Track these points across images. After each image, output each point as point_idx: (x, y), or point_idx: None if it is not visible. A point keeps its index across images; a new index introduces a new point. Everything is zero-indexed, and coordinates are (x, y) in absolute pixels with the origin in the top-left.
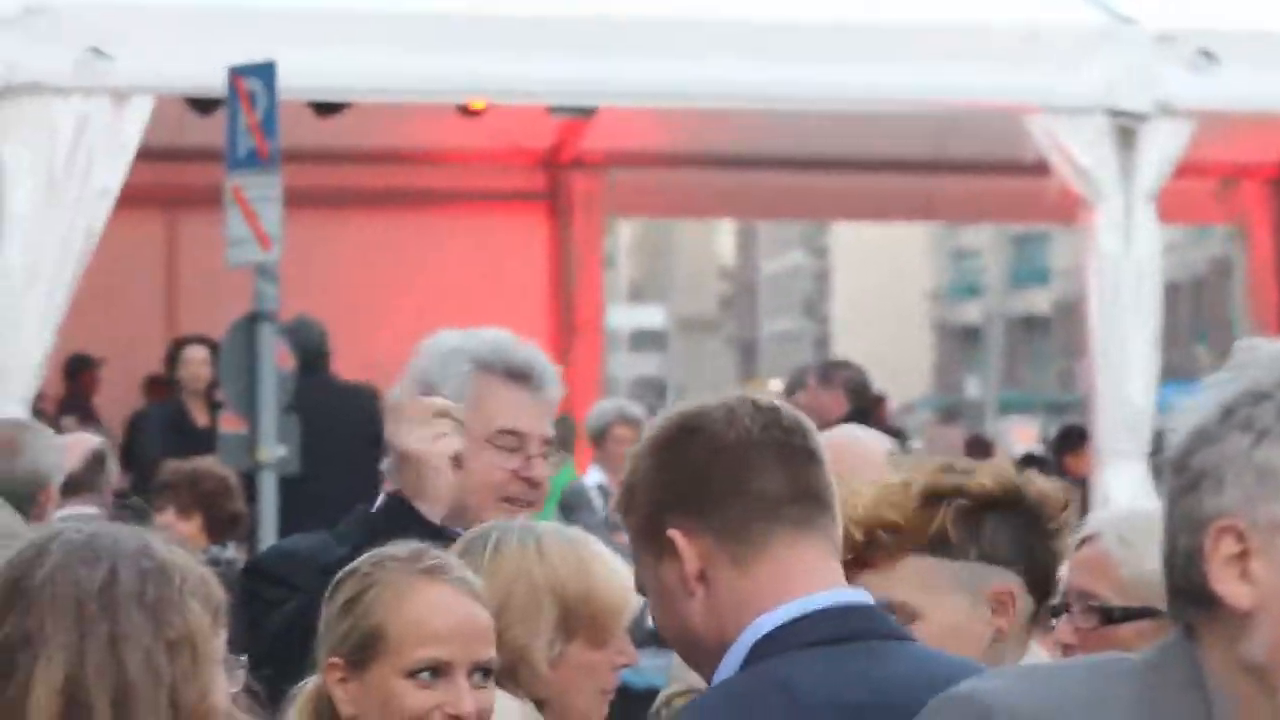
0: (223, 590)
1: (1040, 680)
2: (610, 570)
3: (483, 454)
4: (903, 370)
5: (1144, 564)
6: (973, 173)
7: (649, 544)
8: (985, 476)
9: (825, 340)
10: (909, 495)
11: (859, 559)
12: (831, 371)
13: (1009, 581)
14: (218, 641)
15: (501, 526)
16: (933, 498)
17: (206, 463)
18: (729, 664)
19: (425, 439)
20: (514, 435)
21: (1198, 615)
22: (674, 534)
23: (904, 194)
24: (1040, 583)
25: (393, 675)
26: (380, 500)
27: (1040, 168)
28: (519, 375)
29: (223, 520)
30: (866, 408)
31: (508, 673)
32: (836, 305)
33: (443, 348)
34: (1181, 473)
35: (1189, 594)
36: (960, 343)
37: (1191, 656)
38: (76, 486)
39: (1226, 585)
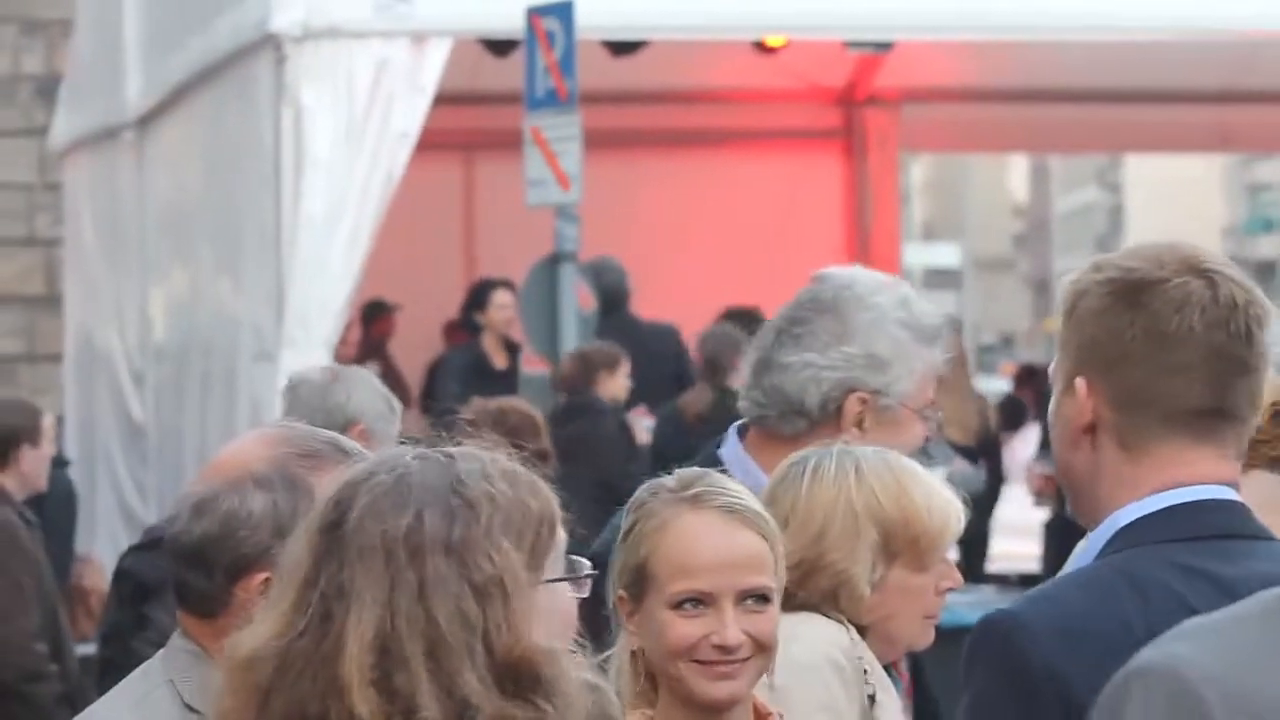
0: (552, 501)
1: (1226, 639)
2: (931, 492)
3: (917, 426)
4: None
5: None
6: (1269, 102)
7: (1062, 374)
8: None
9: None
10: (1266, 411)
11: None
12: None
13: None
14: (550, 561)
15: (819, 452)
16: None
17: (512, 400)
18: (1089, 550)
19: None
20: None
21: None
22: (1080, 383)
23: (1199, 125)
24: None
25: (661, 607)
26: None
27: None
28: (939, 345)
29: (525, 457)
30: None
31: (829, 598)
32: (1130, 242)
33: (881, 317)
34: None
35: None
36: (1257, 278)
37: None
38: None
39: None
